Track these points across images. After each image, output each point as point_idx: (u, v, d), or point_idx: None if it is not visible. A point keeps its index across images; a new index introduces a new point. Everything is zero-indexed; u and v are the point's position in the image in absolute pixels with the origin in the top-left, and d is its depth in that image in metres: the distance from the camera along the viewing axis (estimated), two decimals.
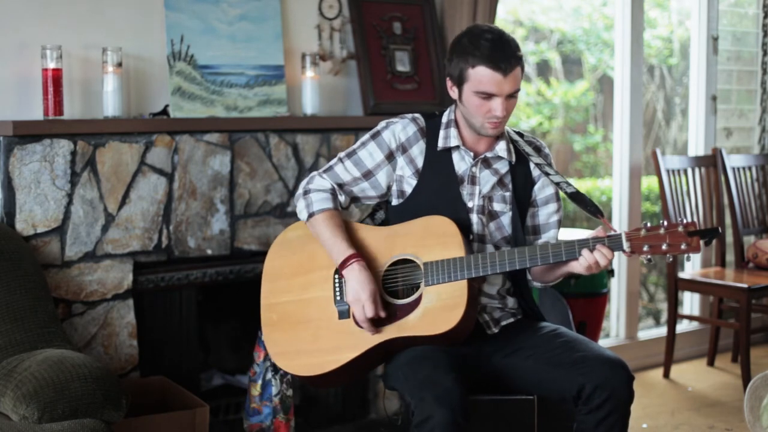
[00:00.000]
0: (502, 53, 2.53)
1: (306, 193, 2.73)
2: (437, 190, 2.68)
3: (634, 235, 2.46)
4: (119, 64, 3.25)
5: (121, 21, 3.36)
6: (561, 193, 2.78)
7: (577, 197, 2.65)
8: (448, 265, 2.55)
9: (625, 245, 2.46)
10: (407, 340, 2.56)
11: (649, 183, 5.42)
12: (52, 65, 3.11)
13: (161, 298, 3.44)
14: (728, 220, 4.85)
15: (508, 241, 2.71)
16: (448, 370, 2.45)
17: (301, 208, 2.73)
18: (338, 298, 2.64)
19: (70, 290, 3.18)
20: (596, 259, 2.47)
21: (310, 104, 3.66)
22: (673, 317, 4.64)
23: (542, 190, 2.76)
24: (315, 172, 2.78)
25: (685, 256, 2.46)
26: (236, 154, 3.49)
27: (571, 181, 2.75)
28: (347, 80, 3.88)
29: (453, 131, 2.69)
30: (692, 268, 5.05)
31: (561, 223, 2.82)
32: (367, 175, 2.73)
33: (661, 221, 2.48)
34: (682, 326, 5.06)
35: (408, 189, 2.72)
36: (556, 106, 5.86)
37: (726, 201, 4.83)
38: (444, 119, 2.73)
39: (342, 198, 2.74)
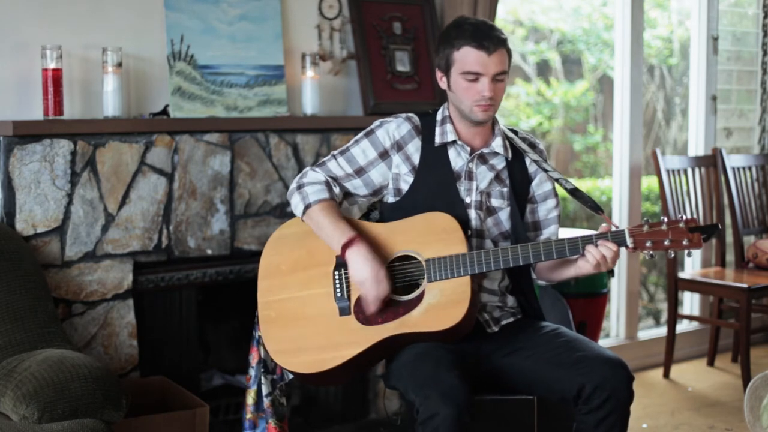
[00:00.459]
0: (486, 34, 2.59)
1: (300, 187, 2.73)
2: (434, 187, 2.68)
3: (637, 231, 2.48)
4: (119, 64, 3.25)
5: (121, 21, 3.36)
6: (561, 191, 2.79)
7: (576, 194, 2.67)
8: (450, 261, 2.55)
9: (629, 241, 2.48)
10: (410, 336, 2.56)
11: (649, 183, 5.42)
12: (52, 65, 3.11)
13: (161, 298, 3.44)
14: (728, 220, 4.85)
15: (507, 236, 2.72)
16: (451, 367, 2.45)
17: (296, 202, 2.72)
18: (339, 294, 2.64)
19: (70, 290, 3.18)
20: (602, 254, 2.48)
21: (310, 104, 3.66)
22: (673, 317, 4.64)
23: (540, 186, 2.77)
24: (307, 168, 2.78)
25: (686, 251, 2.47)
26: (236, 154, 3.49)
27: (568, 179, 2.76)
28: (347, 80, 3.88)
29: (449, 127, 2.71)
30: (692, 268, 5.05)
31: (560, 218, 2.83)
32: (359, 172, 2.74)
33: (662, 218, 2.50)
34: (682, 326, 5.06)
35: (405, 186, 2.72)
36: (556, 106, 5.86)
37: (726, 201, 4.83)
38: (438, 116, 2.74)
39: (336, 190, 2.73)
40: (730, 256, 4.97)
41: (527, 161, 2.76)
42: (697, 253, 5.11)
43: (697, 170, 4.72)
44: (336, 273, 2.67)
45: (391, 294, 2.58)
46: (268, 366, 2.87)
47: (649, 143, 5.79)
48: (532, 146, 2.78)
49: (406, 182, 2.72)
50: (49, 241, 3.14)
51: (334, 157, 2.76)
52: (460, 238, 2.57)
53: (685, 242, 2.45)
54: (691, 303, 5.21)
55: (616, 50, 4.88)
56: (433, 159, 2.70)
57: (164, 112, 3.41)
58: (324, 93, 3.76)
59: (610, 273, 4.21)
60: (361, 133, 2.76)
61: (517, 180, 2.74)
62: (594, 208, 2.63)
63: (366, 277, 2.55)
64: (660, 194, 4.58)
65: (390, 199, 2.76)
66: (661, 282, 5.76)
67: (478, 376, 2.62)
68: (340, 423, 3.83)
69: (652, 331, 5.13)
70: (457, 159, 2.71)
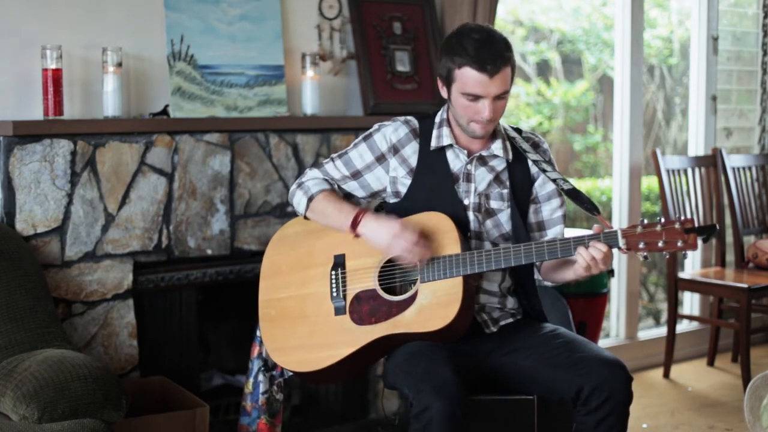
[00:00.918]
0: (489, 54, 2.52)
1: (300, 185, 2.77)
2: (432, 189, 2.69)
3: (630, 232, 2.46)
4: (119, 64, 3.25)
5: (121, 21, 3.36)
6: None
7: (573, 194, 2.65)
8: (443, 262, 2.55)
9: (621, 242, 2.46)
10: (402, 336, 2.57)
11: (649, 183, 5.42)
12: (52, 65, 3.11)
13: (161, 298, 3.44)
14: (728, 220, 4.85)
15: (507, 238, 2.71)
16: (445, 362, 2.46)
17: (299, 198, 2.75)
18: (335, 294, 2.65)
19: (70, 290, 3.18)
20: (592, 255, 2.46)
21: (310, 104, 3.66)
22: (673, 317, 4.64)
23: (543, 186, 2.76)
24: (307, 169, 2.83)
25: (683, 253, 2.45)
26: (236, 154, 3.49)
27: (571, 180, 2.75)
28: (347, 80, 3.88)
29: (445, 130, 2.70)
30: (692, 268, 5.05)
31: (565, 218, 2.81)
32: (356, 175, 2.75)
33: (658, 218, 2.48)
34: (682, 326, 5.06)
35: (403, 189, 2.72)
36: (556, 106, 5.86)
37: (726, 201, 4.83)
38: (437, 119, 2.74)
39: (336, 187, 2.77)
40: (730, 256, 4.97)
41: (529, 162, 2.75)
42: (697, 254, 5.11)
43: (697, 170, 4.72)
44: (333, 272, 2.67)
45: (419, 238, 2.54)
46: (268, 363, 2.88)
47: (649, 143, 5.79)
48: (536, 146, 2.77)
49: (403, 185, 2.72)
50: (49, 241, 3.14)
51: (332, 160, 2.79)
52: (455, 239, 2.57)
53: (679, 243, 2.42)
54: (691, 303, 5.21)
55: (616, 50, 4.88)
56: (431, 161, 2.70)
57: (164, 112, 3.41)
58: (324, 93, 3.76)
59: (610, 273, 4.21)
60: (360, 137, 2.78)
61: (518, 181, 2.73)
62: (590, 209, 2.61)
63: (386, 241, 2.56)
64: (660, 194, 4.58)
65: (392, 200, 2.76)
66: (661, 282, 5.76)
67: (477, 376, 2.62)
68: (340, 423, 3.83)
69: (652, 331, 5.13)
70: (456, 161, 2.71)
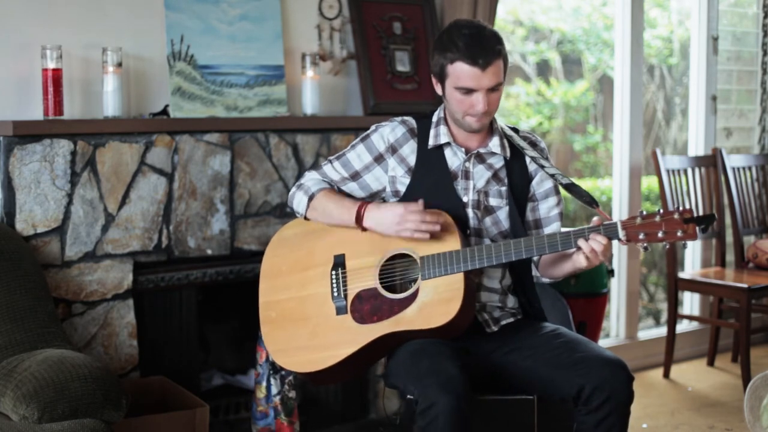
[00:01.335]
0: (480, 48, 2.54)
1: (299, 186, 2.78)
2: (431, 186, 2.69)
3: (629, 223, 2.46)
4: (119, 64, 3.25)
5: (121, 21, 3.36)
6: (559, 187, 2.79)
7: (572, 188, 2.66)
8: (444, 258, 2.55)
9: (621, 233, 2.46)
10: (404, 334, 2.57)
11: (649, 183, 5.42)
12: (52, 65, 3.11)
13: (161, 298, 3.44)
14: (728, 220, 4.85)
15: (506, 235, 2.72)
16: (449, 358, 2.46)
17: (299, 198, 2.76)
18: (335, 294, 2.65)
19: (70, 290, 3.18)
20: (592, 247, 2.46)
21: (310, 104, 3.66)
22: (673, 317, 4.64)
23: (540, 184, 2.76)
24: (305, 172, 2.84)
25: (682, 243, 2.45)
26: (236, 154, 3.49)
27: (564, 174, 2.75)
28: (347, 80, 3.88)
29: (443, 129, 2.71)
30: (692, 268, 5.05)
31: (563, 216, 2.82)
32: (355, 176, 2.76)
33: (657, 209, 2.48)
34: (682, 326, 5.06)
35: (402, 188, 2.73)
36: (556, 106, 5.86)
37: (726, 201, 4.83)
38: (434, 118, 2.75)
39: (335, 188, 2.77)
40: (730, 256, 4.97)
41: (527, 160, 2.75)
42: (697, 253, 5.11)
43: (697, 170, 4.72)
44: (333, 272, 2.68)
45: (426, 212, 2.56)
46: (275, 365, 2.88)
47: (649, 143, 5.79)
48: (533, 144, 2.78)
49: (402, 184, 2.73)
50: (49, 241, 3.14)
51: (330, 162, 2.80)
52: (455, 235, 2.58)
53: (679, 233, 2.42)
54: (691, 303, 5.21)
55: (616, 50, 4.88)
56: (430, 160, 2.71)
57: (164, 112, 3.41)
58: (324, 93, 3.76)
59: (610, 273, 4.21)
60: (357, 138, 2.80)
61: (517, 179, 2.73)
62: (589, 203, 2.62)
63: (394, 227, 2.57)
64: (660, 194, 4.57)
65: (390, 199, 2.76)
66: (661, 282, 5.76)
67: (478, 375, 2.62)
68: (340, 423, 3.83)
69: (652, 331, 5.13)
70: (454, 159, 2.72)
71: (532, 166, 2.76)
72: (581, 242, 2.48)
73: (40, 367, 2.57)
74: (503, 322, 2.73)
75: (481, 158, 2.72)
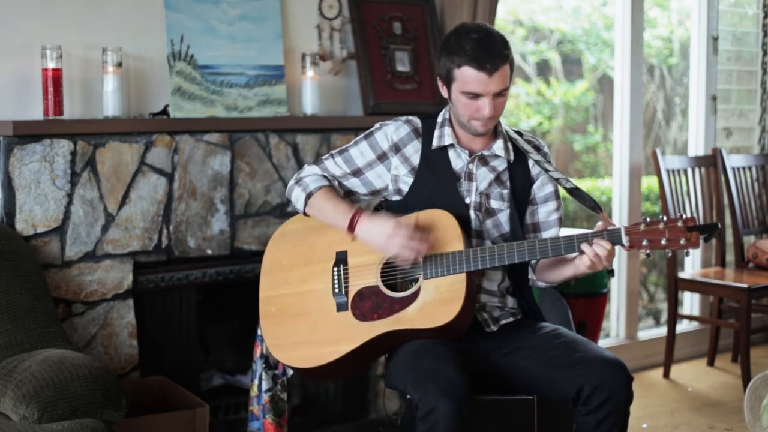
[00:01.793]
0: (487, 53, 2.53)
1: (298, 181, 2.77)
2: (434, 187, 2.69)
3: (633, 229, 2.47)
4: (119, 64, 3.26)
5: (121, 21, 3.36)
6: (561, 190, 2.79)
7: (576, 193, 2.66)
8: (446, 258, 2.55)
9: (624, 239, 2.47)
10: (405, 333, 2.57)
11: (649, 183, 5.42)
12: (52, 65, 3.11)
13: (161, 298, 3.44)
14: (728, 220, 4.85)
15: (506, 238, 2.72)
16: (450, 361, 2.45)
17: (297, 194, 2.75)
18: (336, 290, 2.65)
19: (70, 290, 3.18)
20: (596, 252, 2.47)
21: (310, 104, 3.66)
22: (673, 317, 4.64)
23: (541, 188, 2.76)
24: (305, 165, 2.83)
25: (685, 251, 2.46)
26: (236, 154, 3.49)
27: (569, 178, 2.75)
28: (347, 80, 3.88)
29: (447, 130, 2.71)
30: (692, 268, 5.05)
31: (562, 222, 2.82)
32: (357, 172, 2.76)
33: (660, 216, 2.49)
34: (682, 326, 5.06)
35: (405, 187, 2.73)
36: (556, 106, 5.86)
37: (726, 201, 4.83)
38: (439, 119, 2.74)
39: (335, 184, 2.77)
40: (730, 256, 4.97)
41: (530, 163, 2.75)
42: (697, 253, 5.11)
43: (697, 170, 4.72)
44: (335, 269, 2.68)
45: (417, 231, 2.55)
46: (270, 361, 2.88)
47: (649, 143, 5.79)
48: (537, 148, 2.78)
49: (405, 183, 2.72)
50: (49, 241, 3.14)
51: (332, 156, 2.79)
52: (458, 236, 2.58)
53: (682, 241, 2.43)
54: (691, 303, 5.21)
55: (616, 50, 4.88)
56: (434, 160, 2.71)
57: (164, 112, 3.41)
58: (324, 93, 3.76)
59: (610, 273, 4.21)
60: (361, 135, 2.78)
61: (519, 182, 2.73)
62: (593, 208, 2.62)
63: (382, 242, 2.56)
64: (660, 194, 4.58)
65: (394, 198, 2.76)
66: (661, 282, 5.76)
67: (477, 375, 2.62)
68: (340, 423, 3.83)
69: (652, 331, 5.13)
70: (457, 160, 2.72)
71: (534, 170, 2.76)
72: (585, 246, 2.48)
73: (40, 367, 2.57)
74: (503, 322, 2.73)
75: (484, 160, 2.72)
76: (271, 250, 2.81)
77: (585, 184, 5.52)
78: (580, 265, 2.53)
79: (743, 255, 4.80)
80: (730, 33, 5.20)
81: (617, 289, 4.85)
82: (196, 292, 3.53)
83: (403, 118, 2.77)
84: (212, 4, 3.51)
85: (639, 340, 4.90)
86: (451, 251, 2.56)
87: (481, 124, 2.62)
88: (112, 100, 3.24)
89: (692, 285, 4.61)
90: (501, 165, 2.73)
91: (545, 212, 2.78)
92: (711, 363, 4.90)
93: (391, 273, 2.65)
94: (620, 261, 4.79)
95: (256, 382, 2.92)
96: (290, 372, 2.88)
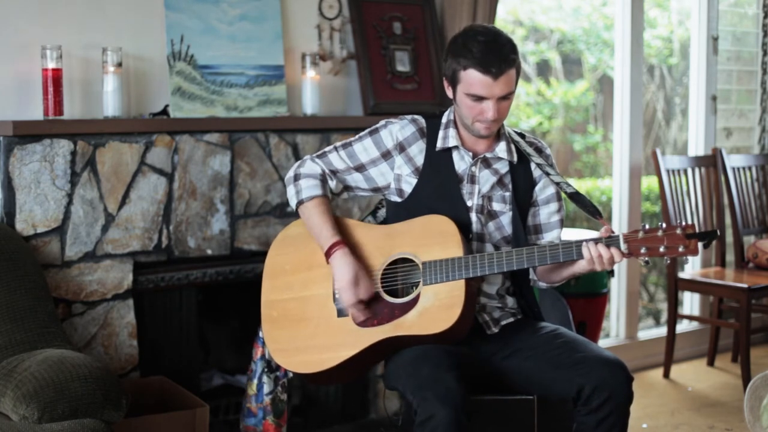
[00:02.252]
0: (494, 57, 2.53)
1: (296, 178, 2.75)
2: (437, 189, 2.69)
3: (631, 237, 2.46)
4: (119, 64, 3.25)
5: (121, 21, 3.36)
6: (561, 194, 2.78)
7: (576, 198, 2.66)
8: (446, 264, 2.55)
9: (623, 247, 2.46)
10: (404, 339, 2.57)
11: (649, 183, 5.42)
12: (52, 65, 3.11)
13: (161, 298, 3.44)
14: (728, 220, 4.85)
15: (508, 241, 2.72)
16: (449, 368, 2.45)
17: (291, 194, 2.75)
18: (337, 296, 2.65)
19: (70, 290, 3.18)
20: (600, 253, 2.46)
21: (310, 104, 3.66)
22: (673, 317, 4.64)
23: (543, 190, 2.76)
24: (308, 156, 2.80)
25: (683, 258, 2.46)
26: (236, 154, 3.49)
27: (571, 181, 2.75)
28: (347, 80, 3.88)
29: (452, 131, 2.70)
30: (692, 268, 5.05)
31: (563, 223, 2.82)
32: (360, 168, 2.75)
33: (659, 223, 2.48)
34: (682, 326, 5.06)
35: (407, 188, 2.72)
36: (556, 106, 5.86)
37: (726, 201, 4.83)
38: (444, 119, 2.74)
39: (333, 183, 2.76)
40: (730, 256, 4.97)
41: (532, 165, 2.75)
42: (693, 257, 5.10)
43: (697, 170, 4.72)
44: None
45: (368, 298, 2.59)
46: (272, 365, 2.88)
47: (649, 143, 5.79)
48: (539, 151, 2.78)
49: (408, 183, 2.72)
50: (49, 241, 3.14)
51: (336, 149, 2.77)
52: (458, 242, 2.57)
53: (681, 249, 2.43)
54: (691, 303, 5.21)
55: (616, 50, 4.88)
56: (437, 161, 2.70)
57: (164, 112, 3.41)
58: (324, 93, 3.76)
59: (610, 273, 4.21)
60: (366, 131, 2.77)
61: (521, 184, 2.73)
62: (593, 213, 2.62)
63: (343, 285, 2.59)
64: (660, 194, 4.57)
65: (394, 199, 2.76)
66: (661, 282, 5.76)
67: (478, 376, 2.62)
68: (340, 423, 3.83)
69: (652, 331, 5.13)
70: (460, 162, 2.71)
71: (536, 172, 2.75)
72: (590, 245, 2.47)
73: (40, 367, 2.57)
74: (503, 323, 2.73)
75: (487, 163, 2.72)
76: (273, 254, 2.80)
77: (585, 185, 5.52)
78: (579, 265, 2.53)
79: (743, 255, 4.80)
80: (730, 33, 5.20)
81: (617, 289, 4.85)
82: (196, 292, 3.53)
83: (409, 117, 2.76)
84: (212, 4, 3.51)
85: (639, 340, 4.90)
86: (450, 257, 2.56)
87: (484, 127, 2.61)
88: (112, 100, 3.24)
89: (692, 285, 4.61)
90: (503, 167, 2.73)
91: (547, 214, 2.77)
92: (711, 363, 4.90)
93: (392, 279, 2.64)
94: (620, 262, 4.78)
95: (255, 382, 2.92)
96: (291, 373, 2.88)
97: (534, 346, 2.62)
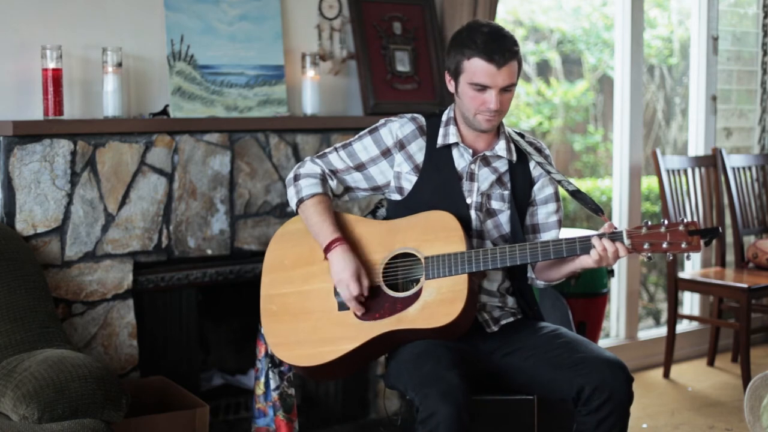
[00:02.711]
0: (498, 46, 2.56)
1: (296, 178, 2.76)
2: (438, 186, 2.69)
3: (635, 232, 2.47)
4: (119, 64, 3.26)
5: (121, 21, 3.36)
6: (562, 192, 2.79)
7: (578, 195, 2.66)
8: (448, 259, 2.56)
9: (626, 242, 2.47)
10: (406, 333, 2.57)
11: (649, 183, 5.42)
12: (52, 65, 3.11)
13: (161, 298, 3.44)
14: (728, 220, 4.85)
15: (507, 239, 2.72)
16: (451, 365, 2.45)
17: (291, 195, 2.76)
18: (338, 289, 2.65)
19: (70, 290, 3.18)
20: (604, 246, 2.46)
21: (310, 104, 3.66)
22: (673, 317, 4.64)
23: (542, 190, 2.77)
24: (308, 157, 2.81)
25: (686, 255, 2.47)
26: (236, 154, 3.49)
27: (571, 180, 2.76)
28: (347, 80, 3.88)
29: (452, 128, 2.71)
30: (692, 268, 5.05)
31: (561, 224, 2.82)
32: (360, 167, 2.75)
33: (662, 220, 2.49)
34: (682, 326, 5.06)
35: (407, 185, 2.73)
36: (556, 106, 5.86)
37: (726, 201, 4.83)
38: (444, 117, 2.75)
39: (333, 183, 2.76)
40: (730, 256, 4.97)
41: (531, 165, 2.76)
42: (697, 254, 5.10)
43: (697, 170, 4.72)
44: None
45: (366, 294, 2.60)
46: (275, 360, 2.88)
47: (649, 143, 5.79)
48: (538, 150, 2.79)
49: (408, 181, 2.72)
50: (49, 241, 3.14)
51: (336, 150, 2.78)
52: (460, 237, 2.58)
53: (683, 245, 2.44)
54: (691, 303, 5.21)
55: (616, 50, 4.88)
56: (437, 159, 2.71)
57: (164, 112, 3.41)
58: (324, 93, 3.76)
59: (610, 273, 4.21)
60: (365, 130, 2.79)
61: (519, 183, 2.74)
62: (595, 210, 2.63)
63: (341, 279, 2.60)
64: (660, 194, 4.58)
65: (394, 197, 2.76)
66: (661, 282, 5.76)
67: (477, 375, 2.62)
68: (340, 423, 3.83)
69: (652, 331, 5.13)
70: (460, 160, 2.72)
71: (535, 171, 2.76)
72: (594, 241, 2.47)
73: (40, 367, 2.57)
74: (503, 322, 2.73)
75: (486, 161, 2.72)
76: (273, 249, 2.81)
77: (585, 184, 5.52)
78: (585, 259, 2.53)
79: (743, 255, 4.80)
80: (730, 33, 5.20)
81: (617, 289, 4.85)
82: (196, 292, 3.53)
83: (409, 115, 2.77)
84: (212, 4, 3.51)
85: (639, 340, 4.90)
86: (453, 252, 2.56)
87: (485, 119, 2.62)
88: (112, 100, 3.24)
89: (692, 285, 4.61)
90: (503, 166, 2.74)
91: (545, 213, 2.78)
92: (711, 363, 4.90)
93: (393, 273, 2.65)
94: (620, 261, 4.79)
95: (262, 380, 2.92)
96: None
97: (534, 346, 2.62)
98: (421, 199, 2.69)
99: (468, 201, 2.70)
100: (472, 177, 2.71)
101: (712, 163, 4.77)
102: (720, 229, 2.55)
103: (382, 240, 2.68)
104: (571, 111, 5.91)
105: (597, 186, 5.52)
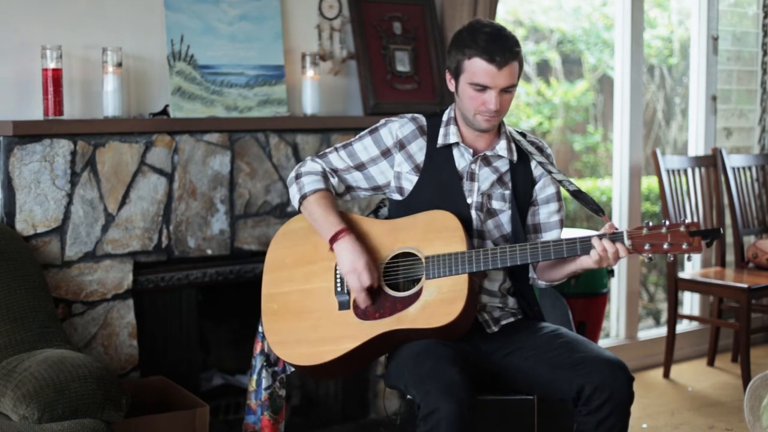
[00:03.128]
0: (499, 46, 2.56)
1: (297, 177, 2.77)
2: (439, 186, 2.70)
3: (636, 233, 2.47)
4: (119, 64, 3.26)
5: (121, 21, 3.36)
6: (563, 192, 2.79)
7: (579, 195, 2.66)
8: (449, 259, 2.56)
9: (627, 243, 2.47)
10: (406, 332, 2.57)
11: (649, 183, 5.42)
12: (52, 65, 3.11)
13: (161, 298, 3.44)
14: (728, 220, 4.85)
15: (507, 239, 2.72)
16: (452, 362, 2.45)
17: (293, 192, 2.76)
18: (339, 289, 2.66)
19: (70, 290, 3.18)
20: (604, 246, 2.46)
21: (310, 104, 3.66)
22: (673, 317, 4.64)
23: (543, 189, 2.77)
24: (308, 157, 2.82)
25: (686, 255, 2.46)
26: (236, 154, 3.49)
27: (572, 180, 2.76)
28: (347, 80, 3.88)
29: (452, 128, 2.71)
30: (692, 268, 5.05)
31: (563, 224, 2.82)
32: (360, 167, 2.75)
33: (663, 221, 2.49)
34: (682, 326, 5.06)
35: (407, 185, 2.73)
36: (556, 106, 5.86)
37: (726, 201, 4.83)
38: (444, 117, 2.75)
39: (335, 181, 2.77)
40: (730, 256, 4.97)
41: (533, 164, 2.76)
42: (697, 254, 5.10)
43: (697, 170, 4.72)
44: (337, 267, 2.68)
45: (377, 285, 2.60)
46: (270, 359, 2.88)
47: (649, 143, 5.79)
48: (540, 150, 2.79)
49: (408, 181, 2.73)
50: (49, 241, 3.14)
51: (336, 150, 2.79)
52: (461, 237, 2.58)
53: (684, 246, 2.43)
54: (691, 303, 5.21)
55: (616, 50, 4.88)
56: (438, 159, 2.71)
57: (164, 112, 3.41)
58: (324, 93, 3.76)
59: (610, 273, 4.21)
60: (365, 131, 2.79)
61: (520, 183, 2.74)
62: (596, 211, 2.63)
63: (348, 269, 2.59)
64: (660, 194, 4.58)
65: (395, 197, 2.76)
66: (661, 282, 5.76)
67: (478, 375, 2.62)
68: (340, 423, 3.83)
69: (652, 331, 5.13)
70: (461, 159, 2.72)
71: (537, 171, 2.76)
72: (594, 241, 2.47)
73: (40, 367, 2.57)
74: (503, 322, 2.73)
75: (487, 161, 2.72)
76: (274, 248, 2.81)
77: (585, 184, 5.52)
78: (584, 259, 2.53)
79: (743, 255, 4.80)
80: (730, 33, 5.20)
81: (617, 289, 4.85)
82: (196, 292, 3.53)
83: (409, 115, 2.77)
84: (212, 4, 3.51)
85: (639, 340, 4.90)
86: (453, 252, 2.56)
87: (485, 119, 2.62)
88: (112, 100, 3.24)
89: (692, 285, 4.61)
90: (503, 166, 2.74)
91: (546, 213, 2.78)
92: (711, 363, 4.90)
93: (394, 272, 2.65)
94: (620, 261, 4.78)
95: (254, 377, 2.93)
96: (290, 369, 2.88)
97: (534, 346, 2.62)
98: (421, 199, 2.69)
99: (468, 201, 2.70)
100: (472, 177, 2.71)
101: (712, 163, 4.77)
102: (721, 230, 2.55)
103: (382, 239, 2.68)
104: (571, 111, 5.91)
105: (597, 186, 5.52)
